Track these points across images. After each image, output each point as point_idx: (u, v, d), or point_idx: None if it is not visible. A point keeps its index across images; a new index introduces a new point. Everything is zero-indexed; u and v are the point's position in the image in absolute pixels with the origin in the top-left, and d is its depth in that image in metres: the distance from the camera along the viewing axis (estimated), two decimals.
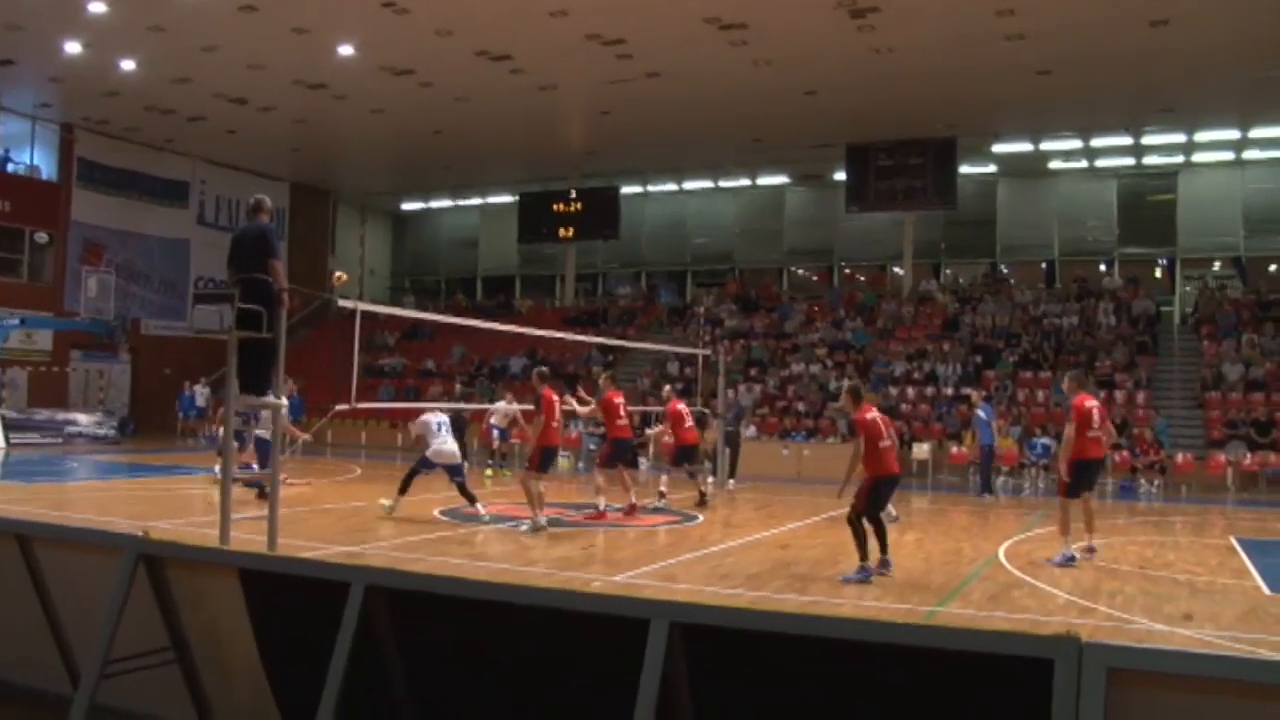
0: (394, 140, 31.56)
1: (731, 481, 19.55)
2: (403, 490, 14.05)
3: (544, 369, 14.06)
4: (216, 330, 9.24)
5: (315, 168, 35.85)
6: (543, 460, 13.32)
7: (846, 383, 12.34)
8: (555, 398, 13.58)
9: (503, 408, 21.69)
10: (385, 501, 14.23)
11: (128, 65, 24.41)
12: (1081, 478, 11.45)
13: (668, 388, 18.30)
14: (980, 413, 19.33)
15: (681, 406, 16.59)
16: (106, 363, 31.40)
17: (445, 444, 14.19)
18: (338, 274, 11.39)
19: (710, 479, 18.10)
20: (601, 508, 14.40)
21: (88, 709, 4.67)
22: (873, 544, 9.96)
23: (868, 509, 9.97)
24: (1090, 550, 11.47)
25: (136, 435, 30.22)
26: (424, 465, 14.23)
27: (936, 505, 18.46)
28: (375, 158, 35.05)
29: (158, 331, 32.72)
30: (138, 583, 4.88)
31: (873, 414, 10.27)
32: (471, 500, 13.96)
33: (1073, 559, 11.03)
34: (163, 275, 33.37)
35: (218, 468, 14.33)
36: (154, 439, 29.15)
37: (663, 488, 16.35)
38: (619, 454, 15.21)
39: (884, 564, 10.11)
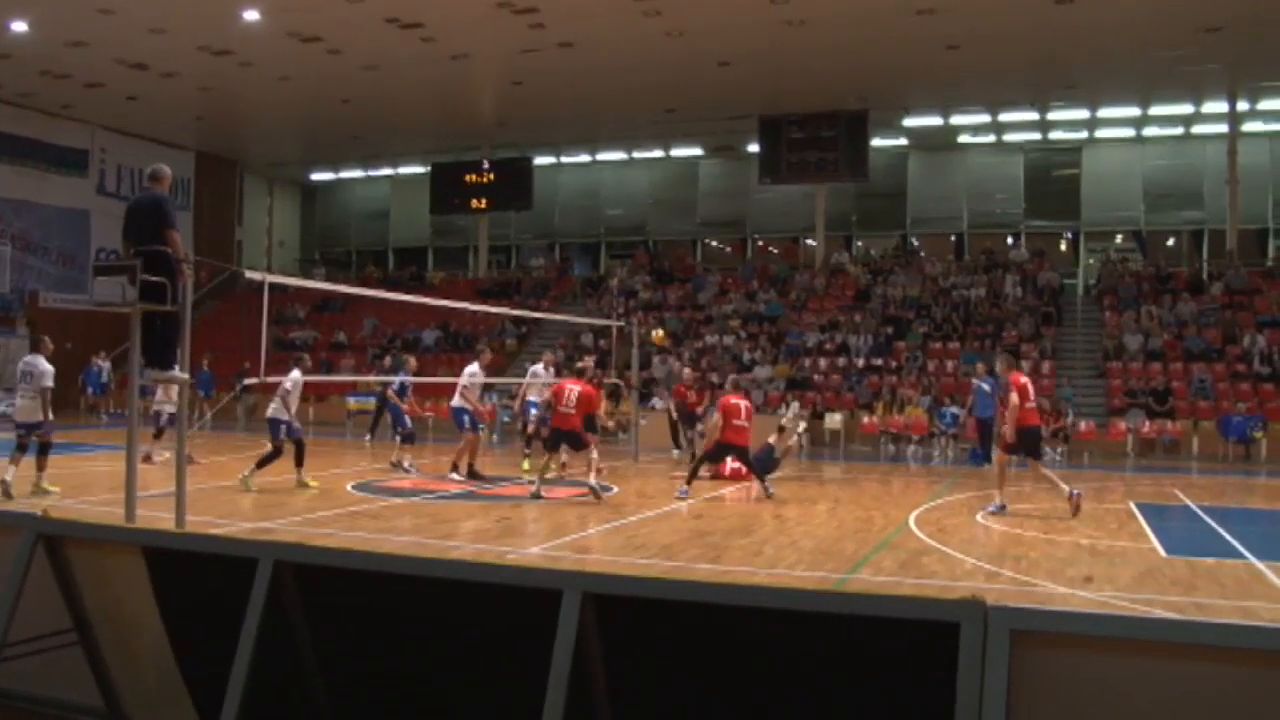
0: (302, 109, 30.89)
1: None
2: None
3: None
4: (119, 303, 8.99)
5: (221, 136, 34.91)
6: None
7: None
8: None
9: (542, 373, 17.62)
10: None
11: (19, 27, 23.43)
12: (1023, 441, 12.79)
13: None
14: (984, 385, 19.16)
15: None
16: (4, 337, 30.36)
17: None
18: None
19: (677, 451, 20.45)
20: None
21: None
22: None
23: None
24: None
25: None
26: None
27: (849, 475, 18.76)
28: (283, 127, 34.20)
29: (58, 305, 31.65)
30: (36, 563, 4.74)
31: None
32: None
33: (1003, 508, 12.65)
34: (61, 247, 32.28)
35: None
36: (56, 416, 28.21)
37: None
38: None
39: None
